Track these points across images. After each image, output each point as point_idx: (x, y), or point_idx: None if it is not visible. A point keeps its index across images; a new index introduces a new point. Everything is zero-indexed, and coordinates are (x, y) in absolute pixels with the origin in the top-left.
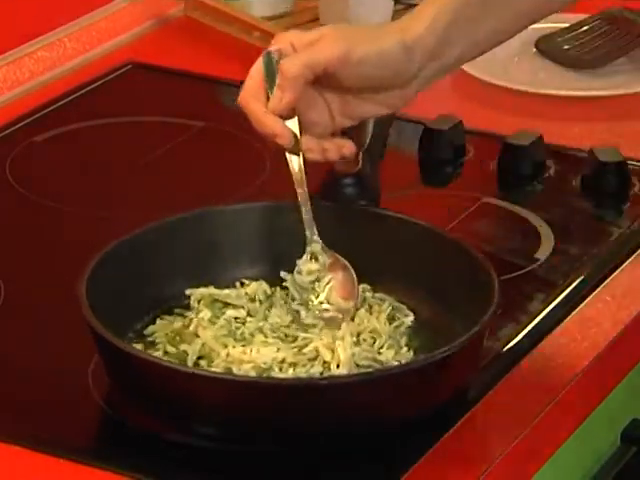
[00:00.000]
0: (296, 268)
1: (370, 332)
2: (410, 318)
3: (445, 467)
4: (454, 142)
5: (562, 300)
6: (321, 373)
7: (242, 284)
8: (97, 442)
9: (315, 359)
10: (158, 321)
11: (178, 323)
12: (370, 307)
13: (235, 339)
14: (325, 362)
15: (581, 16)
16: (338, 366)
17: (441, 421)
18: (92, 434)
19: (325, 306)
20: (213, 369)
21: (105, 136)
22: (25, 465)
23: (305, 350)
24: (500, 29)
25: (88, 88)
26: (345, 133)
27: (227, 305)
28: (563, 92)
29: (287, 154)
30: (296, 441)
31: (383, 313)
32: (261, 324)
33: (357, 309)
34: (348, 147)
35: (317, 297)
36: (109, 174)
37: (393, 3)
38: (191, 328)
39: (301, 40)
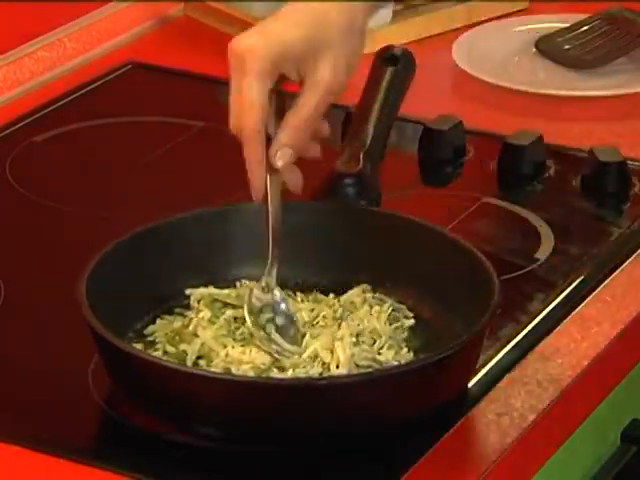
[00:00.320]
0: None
1: (370, 332)
2: (411, 320)
3: (445, 467)
4: (454, 142)
5: (562, 300)
6: (320, 374)
7: (241, 284)
8: (97, 442)
9: (314, 360)
10: (158, 321)
11: (178, 323)
12: (370, 307)
13: (234, 339)
14: (324, 363)
15: (581, 16)
16: (338, 366)
17: (441, 421)
18: (92, 434)
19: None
20: (212, 369)
21: (105, 136)
22: (25, 465)
23: (305, 352)
24: None
25: (88, 88)
26: None
27: (227, 305)
28: (563, 92)
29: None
30: (296, 441)
31: (383, 314)
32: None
33: (356, 309)
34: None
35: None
36: (109, 174)
37: (393, 3)
38: (190, 328)
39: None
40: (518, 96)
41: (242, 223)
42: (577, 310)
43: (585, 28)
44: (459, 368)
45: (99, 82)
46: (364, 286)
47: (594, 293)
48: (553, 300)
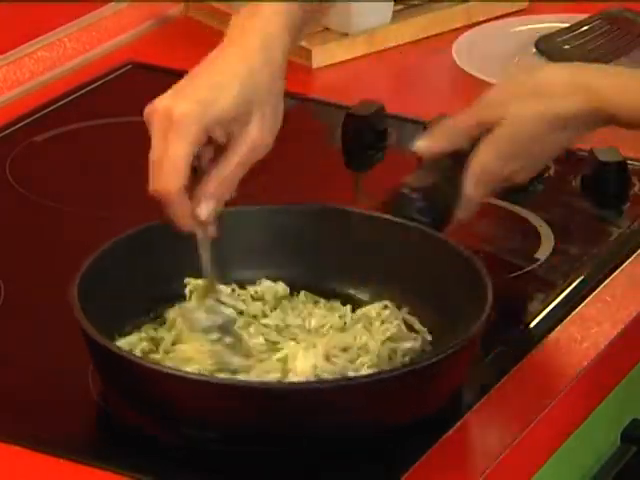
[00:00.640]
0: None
1: (359, 348)
2: (414, 340)
3: (445, 467)
4: None
5: (562, 300)
6: (279, 379)
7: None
8: (97, 442)
9: (282, 365)
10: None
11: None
12: (382, 323)
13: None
14: (285, 369)
15: (581, 16)
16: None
17: (441, 421)
18: (92, 434)
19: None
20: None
21: (105, 136)
22: (25, 465)
23: (275, 355)
24: None
25: (88, 88)
26: None
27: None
28: None
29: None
30: (276, 443)
31: (387, 331)
32: (249, 324)
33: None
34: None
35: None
36: (109, 174)
37: (393, 3)
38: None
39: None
40: None
41: (242, 225)
42: (577, 310)
43: (585, 28)
44: (446, 376)
45: (99, 82)
46: (387, 302)
47: (594, 293)
48: (553, 300)
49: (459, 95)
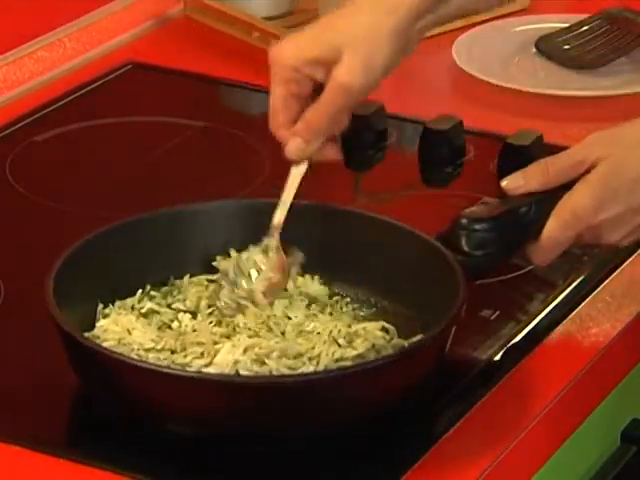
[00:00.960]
0: (245, 251)
1: (302, 354)
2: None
3: (445, 467)
4: (454, 142)
5: (562, 300)
6: (205, 365)
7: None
8: (97, 442)
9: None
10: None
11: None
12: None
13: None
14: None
15: (581, 16)
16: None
17: (440, 421)
18: (92, 434)
19: (243, 295)
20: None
21: (105, 136)
22: (25, 465)
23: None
24: None
25: (88, 88)
26: None
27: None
28: (563, 92)
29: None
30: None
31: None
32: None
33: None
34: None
35: (245, 284)
36: (109, 174)
37: None
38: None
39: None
40: (518, 96)
41: (215, 221)
42: (577, 310)
43: (585, 28)
44: (399, 376)
45: (99, 82)
46: (386, 325)
47: (594, 293)
48: (553, 300)
49: (459, 95)
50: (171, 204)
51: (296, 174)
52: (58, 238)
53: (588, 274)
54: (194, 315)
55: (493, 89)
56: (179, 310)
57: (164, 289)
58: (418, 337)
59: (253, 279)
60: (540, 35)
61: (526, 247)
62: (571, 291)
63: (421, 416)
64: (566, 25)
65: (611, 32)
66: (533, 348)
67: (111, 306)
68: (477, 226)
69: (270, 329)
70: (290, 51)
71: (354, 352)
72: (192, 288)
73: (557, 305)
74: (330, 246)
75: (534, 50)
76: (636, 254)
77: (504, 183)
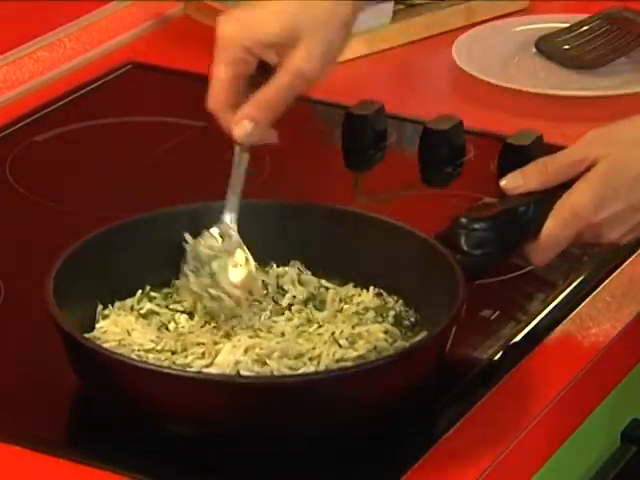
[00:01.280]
0: (201, 236)
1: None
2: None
3: (445, 467)
4: (454, 142)
5: (562, 300)
6: (206, 366)
7: None
8: (97, 442)
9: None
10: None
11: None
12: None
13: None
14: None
15: (581, 16)
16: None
17: (441, 421)
18: (93, 434)
19: (213, 288)
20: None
21: (105, 136)
22: (25, 465)
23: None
24: None
25: (88, 88)
26: None
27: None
28: (563, 92)
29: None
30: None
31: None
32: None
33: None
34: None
35: (211, 273)
36: (109, 174)
37: (393, 3)
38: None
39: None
40: (518, 96)
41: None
42: (577, 310)
43: (585, 28)
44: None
45: (99, 82)
46: (390, 328)
47: (594, 293)
48: (553, 300)
49: (459, 95)
50: (171, 204)
51: (243, 158)
52: (58, 238)
53: (588, 274)
54: (191, 316)
55: (493, 89)
56: (176, 311)
57: (165, 290)
58: (418, 337)
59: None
60: (540, 35)
61: (525, 246)
62: (571, 291)
63: (421, 416)
64: (566, 25)
65: (611, 32)
66: (533, 348)
67: (110, 307)
68: (476, 225)
69: (270, 329)
70: (244, 31)
71: (355, 353)
72: (187, 290)
73: (557, 305)
74: (330, 246)
75: (534, 50)
76: (636, 254)
77: (503, 182)
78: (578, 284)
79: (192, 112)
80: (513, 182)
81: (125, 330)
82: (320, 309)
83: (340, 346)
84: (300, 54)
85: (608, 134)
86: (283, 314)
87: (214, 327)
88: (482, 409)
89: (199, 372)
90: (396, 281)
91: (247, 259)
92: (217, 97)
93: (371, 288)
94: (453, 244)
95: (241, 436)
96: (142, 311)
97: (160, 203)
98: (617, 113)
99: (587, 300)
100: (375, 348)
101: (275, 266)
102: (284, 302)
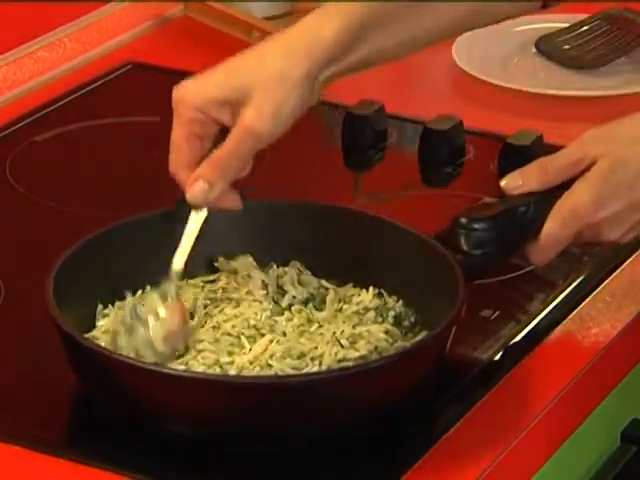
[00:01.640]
0: (143, 295)
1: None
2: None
3: (445, 467)
4: (454, 142)
5: (562, 300)
6: (212, 366)
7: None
8: (97, 442)
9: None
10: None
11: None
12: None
13: None
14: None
15: (581, 16)
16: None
17: (441, 421)
18: (93, 434)
19: (140, 341)
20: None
21: (105, 136)
22: (25, 465)
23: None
24: (415, 39)
25: (88, 88)
26: None
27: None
28: (563, 92)
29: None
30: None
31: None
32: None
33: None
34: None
35: (143, 331)
36: (109, 174)
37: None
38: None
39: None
40: (518, 96)
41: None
42: (577, 310)
43: (585, 28)
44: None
45: (99, 82)
46: (390, 328)
47: (594, 293)
48: (553, 300)
49: (459, 95)
50: (171, 204)
51: (196, 219)
52: (58, 238)
53: (588, 274)
54: (191, 316)
55: (493, 89)
56: None
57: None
58: (418, 337)
59: (150, 326)
60: (540, 35)
61: (525, 246)
62: (571, 291)
63: (421, 416)
64: (566, 25)
65: (611, 32)
66: (533, 348)
67: (111, 307)
68: (476, 225)
69: (272, 329)
70: (195, 91)
71: (356, 354)
72: (188, 290)
73: (557, 305)
74: (330, 246)
75: (534, 50)
76: (636, 254)
77: (503, 183)
78: (578, 284)
79: None
80: (513, 182)
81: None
82: (320, 309)
83: (342, 346)
84: (249, 112)
85: (607, 133)
86: (283, 314)
87: (213, 327)
88: (482, 409)
89: (199, 372)
90: (396, 281)
91: (185, 318)
92: (175, 157)
93: (371, 288)
94: (453, 244)
95: (241, 436)
96: None
97: (160, 203)
98: (617, 113)
99: (587, 300)
100: (376, 348)
101: (275, 266)
102: (284, 302)
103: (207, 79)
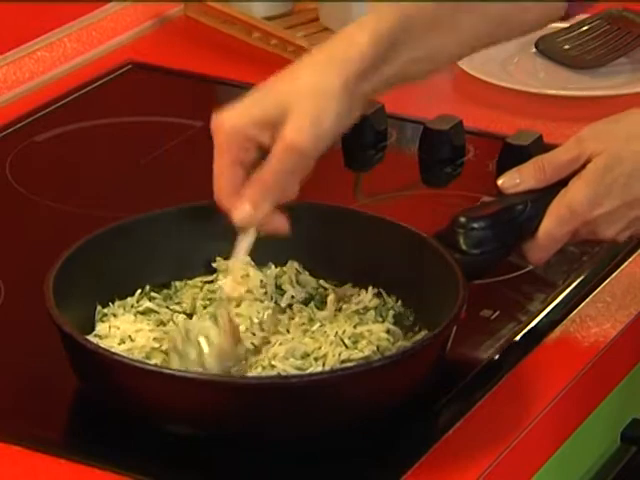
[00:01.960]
0: (193, 319)
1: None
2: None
3: (445, 467)
4: (454, 142)
5: (562, 300)
6: (233, 368)
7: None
8: (97, 442)
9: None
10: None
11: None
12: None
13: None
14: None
15: (581, 16)
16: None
17: (441, 421)
18: (93, 434)
19: (193, 366)
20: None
21: (105, 136)
22: (25, 465)
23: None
24: (448, 50)
25: (88, 88)
26: None
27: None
28: (563, 92)
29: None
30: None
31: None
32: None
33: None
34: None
35: (195, 354)
36: (109, 174)
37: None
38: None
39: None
40: (518, 96)
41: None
42: (577, 310)
43: (585, 28)
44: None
45: (99, 82)
46: (391, 327)
47: (594, 293)
48: (553, 300)
49: (459, 95)
50: (171, 204)
51: (244, 243)
52: (58, 238)
53: (588, 274)
54: (190, 317)
55: (493, 89)
56: (176, 311)
57: (165, 291)
58: (418, 337)
59: (204, 347)
60: (540, 35)
61: (523, 245)
62: (571, 291)
63: (421, 416)
64: (566, 25)
65: (611, 32)
66: (533, 348)
67: (110, 306)
68: (474, 224)
69: (277, 328)
70: (233, 115)
71: (360, 354)
72: (187, 290)
73: (557, 305)
74: (329, 246)
75: (534, 50)
76: (636, 254)
77: (500, 181)
78: (578, 284)
79: (192, 112)
80: (510, 181)
81: (126, 331)
82: (321, 308)
83: (346, 347)
84: (289, 128)
85: (603, 130)
86: (285, 312)
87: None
88: (482, 409)
89: (199, 372)
90: (395, 281)
91: (235, 336)
92: (218, 184)
93: (370, 288)
94: (451, 243)
95: (241, 436)
96: (140, 309)
97: (160, 203)
98: (617, 113)
99: (587, 300)
100: (378, 348)
101: (273, 267)
102: (283, 302)
103: (243, 103)
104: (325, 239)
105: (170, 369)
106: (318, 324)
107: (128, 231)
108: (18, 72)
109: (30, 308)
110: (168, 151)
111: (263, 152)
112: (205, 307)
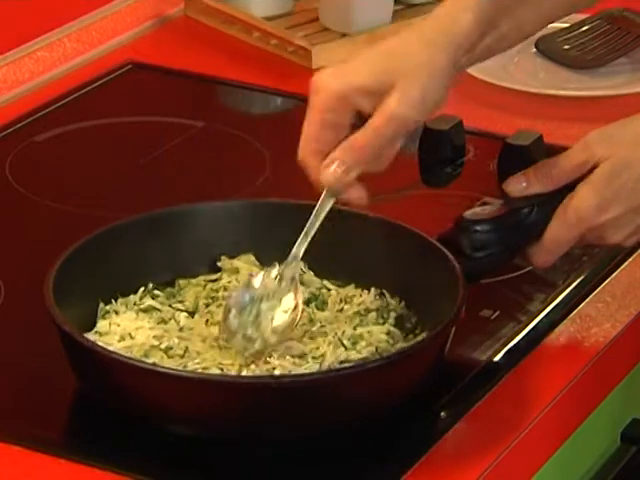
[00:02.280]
0: (255, 274)
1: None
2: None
3: (445, 467)
4: (454, 142)
5: (562, 300)
6: (259, 364)
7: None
8: (97, 442)
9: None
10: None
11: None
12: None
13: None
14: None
15: (581, 16)
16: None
17: (441, 421)
18: (93, 434)
19: (251, 329)
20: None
21: (105, 136)
22: (25, 465)
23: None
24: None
25: (88, 88)
26: None
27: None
28: (563, 92)
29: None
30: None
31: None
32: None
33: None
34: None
35: (256, 313)
36: (109, 174)
37: (393, 3)
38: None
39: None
40: (518, 96)
41: (215, 222)
42: (577, 310)
43: (585, 28)
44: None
45: (99, 82)
46: (391, 329)
47: (594, 293)
48: (553, 300)
49: (459, 95)
50: (171, 204)
51: (324, 204)
52: (58, 238)
53: (588, 274)
54: (192, 315)
55: (493, 89)
56: (178, 309)
57: (168, 290)
58: (418, 337)
59: (275, 313)
60: (540, 35)
61: (528, 249)
62: (571, 291)
63: (421, 416)
64: (566, 25)
65: (611, 32)
66: (533, 348)
67: (112, 303)
68: (478, 227)
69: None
70: (339, 78)
71: (359, 355)
72: (191, 289)
73: (557, 305)
74: (332, 246)
75: (534, 50)
76: (636, 254)
77: (506, 186)
78: (578, 284)
79: (192, 112)
80: (516, 185)
81: (126, 328)
82: (321, 309)
83: (345, 348)
84: (394, 98)
85: (610, 135)
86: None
87: (211, 325)
88: (482, 409)
89: (199, 372)
90: (397, 281)
91: (296, 305)
92: (306, 143)
93: (372, 289)
94: (455, 246)
95: (241, 436)
96: (142, 307)
97: (160, 203)
98: (617, 113)
99: (587, 300)
100: (377, 349)
101: (278, 266)
102: None
103: (350, 67)
104: (327, 239)
105: (167, 368)
106: (318, 324)
107: (128, 231)
108: (18, 72)
109: (30, 308)
110: (168, 151)
111: (356, 118)
112: (207, 306)
